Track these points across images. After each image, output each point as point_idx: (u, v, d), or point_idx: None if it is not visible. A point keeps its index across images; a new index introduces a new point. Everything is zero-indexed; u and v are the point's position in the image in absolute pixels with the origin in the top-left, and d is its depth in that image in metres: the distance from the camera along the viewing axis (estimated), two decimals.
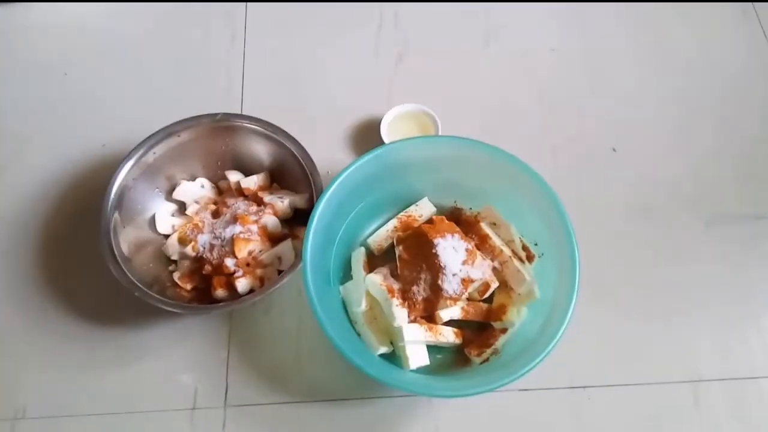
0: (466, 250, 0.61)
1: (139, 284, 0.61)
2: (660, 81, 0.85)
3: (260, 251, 0.65)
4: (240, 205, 0.67)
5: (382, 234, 0.67)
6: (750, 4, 0.91)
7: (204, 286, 0.65)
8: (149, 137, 0.66)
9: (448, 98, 0.80)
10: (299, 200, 0.68)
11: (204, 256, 0.65)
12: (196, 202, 0.70)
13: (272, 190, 0.70)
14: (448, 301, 0.59)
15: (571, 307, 0.55)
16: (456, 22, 0.87)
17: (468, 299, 0.63)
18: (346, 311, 0.63)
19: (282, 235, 0.67)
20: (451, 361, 0.63)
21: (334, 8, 0.87)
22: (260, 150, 0.70)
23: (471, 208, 0.69)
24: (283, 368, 0.65)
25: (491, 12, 0.88)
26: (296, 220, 0.69)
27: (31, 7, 0.87)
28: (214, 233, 0.65)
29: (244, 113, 0.71)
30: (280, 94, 0.81)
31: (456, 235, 0.61)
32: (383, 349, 0.59)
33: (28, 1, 0.87)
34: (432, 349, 0.62)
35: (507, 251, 0.63)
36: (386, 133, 0.74)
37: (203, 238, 0.65)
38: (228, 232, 0.64)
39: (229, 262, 0.63)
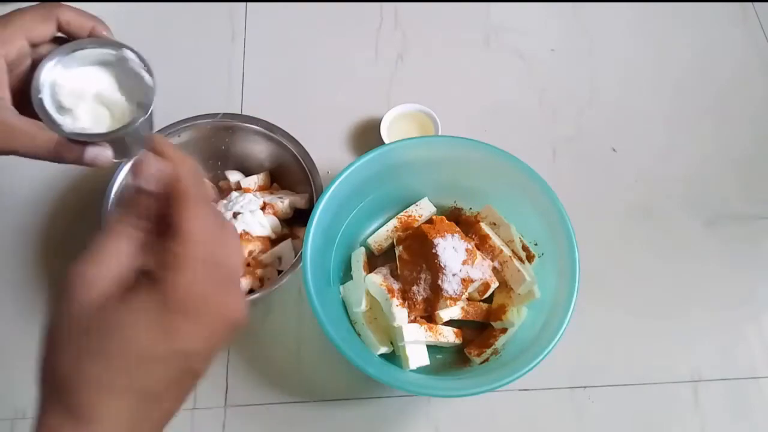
0: (466, 250, 0.61)
1: None
2: (660, 81, 0.85)
3: (260, 251, 0.65)
4: None
5: (382, 234, 0.67)
6: (750, 4, 0.91)
7: None
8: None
9: (448, 98, 0.80)
10: (299, 200, 0.68)
11: None
12: None
13: (272, 190, 0.70)
14: (448, 301, 0.59)
15: (571, 307, 0.55)
16: (456, 22, 0.87)
17: (468, 299, 0.63)
18: (346, 311, 0.63)
19: (282, 235, 0.67)
20: (451, 361, 0.63)
21: (334, 8, 0.87)
22: (260, 150, 0.70)
23: (471, 208, 0.69)
24: (283, 368, 0.65)
25: (491, 12, 0.88)
26: (296, 220, 0.69)
27: None
28: None
29: (244, 113, 0.71)
30: (280, 94, 0.81)
31: (456, 235, 0.61)
32: (383, 349, 0.59)
33: (29, 1, 0.86)
34: (432, 349, 0.62)
35: (507, 251, 0.63)
36: (386, 133, 0.74)
37: None
38: None
39: None
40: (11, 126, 0.39)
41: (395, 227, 0.67)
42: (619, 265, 0.71)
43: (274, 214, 0.67)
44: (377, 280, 0.60)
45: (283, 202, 0.67)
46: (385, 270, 0.63)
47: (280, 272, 0.65)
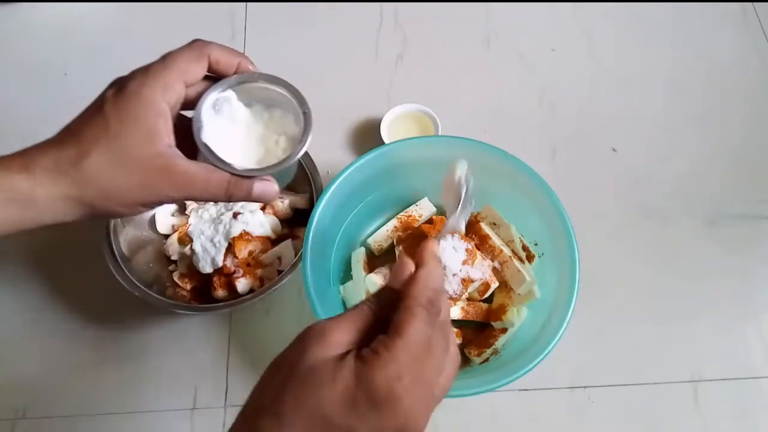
0: (466, 250, 0.60)
1: (139, 284, 0.61)
2: (660, 81, 0.85)
3: (260, 251, 0.65)
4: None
5: (382, 234, 0.67)
6: (750, 3, 0.91)
7: (204, 286, 0.65)
8: None
9: (448, 98, 0.80)
10: (299, 200, 0.68)
11: None
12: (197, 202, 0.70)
13: None
14: (449, 301, 0.59)
15: (571, 307, 0.55)
16: (456, 21, 0.87)
17: (468, 299, 0.63)
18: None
19: (282, 235, 0.67)
20: None
21: (333, 8, 0.87)
22: None
23: None
24: None
25: (491, 12, 0.88)
26: (296, 220, 0.69)
27: (31, 7, 0.87)
28: None
29: None
30: None
31: (456, 235, 0.61)
32: None
33: (29, 1, 0.87)
34: None
35: (507, 251, 0.63)
36: (386, 133, 0.74)
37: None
38: None
39: (229, 262, 0.63)
40: (188, 174, 0.39)
41: (395, 227, 0.67)
42: (619, 265, 0.71)
43: (274, 214, 0.67)
44: (377, 280, 0.60)
45: (283, 202, 0.67)
46: (385, 270, 0.63)
47: (280, 272, 0.65)
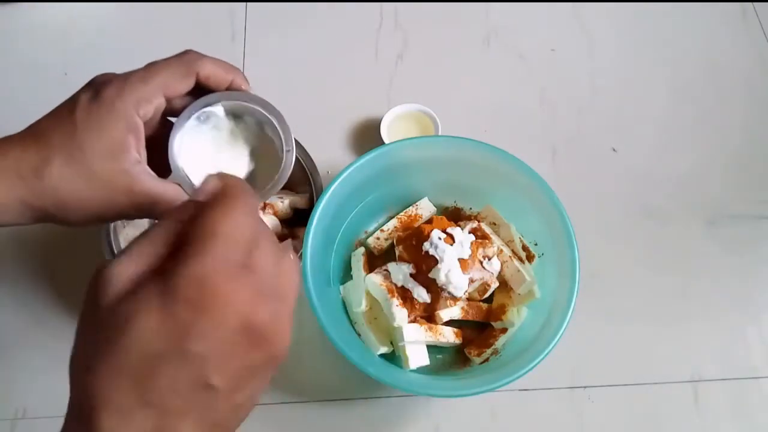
0: (471, 243, 0.60)
1: None
2: (660, 81, 0.85)
3: None
4: None
5: (382, 234, 0.67)
6: (750, 4, 0.91)
7: None
8: None
9: (448, 98, 0.80)
10: (299, 200, 0.68)
11: None
12: None
13: None
14: (448, 301, 0.59)
15: (571, 307, 0.55)
16: (456, 21, 0.87)
17: (468, 299, 0.63)
18: (346, 311, 0.63)
19: (282, 235, 0.67)
20: (451, 361, 0.63)
21: (333, 8, 0.87)
22: None
23: (471, 208, 0.69)
24: (283, 368, 0.64)
25: (491, 12, 0.88)
26: (296, 220, 0.69)
27: (31, 7, 0.87)
28: None
29: None
30: (280, 94, 0.80)
31: (466, 230, 0.61)
32: (383, 349, 0.59)
33: (29, 1, 0.86)
34: (432, 349, 0.62)
35: (507, 251, 0.63)
36: (386, 133, 0.74)
37: None
38: None
39: None
40: (151, 196, 0.38)
41: (395, 227, 0.67)
42: (619, 265, 0.71)
43: (274, 214, 0.67)
44: (377, 280, 0.60)
45: (283, 202, 0.67)
46: (385, 270, 0.63)
47: None
